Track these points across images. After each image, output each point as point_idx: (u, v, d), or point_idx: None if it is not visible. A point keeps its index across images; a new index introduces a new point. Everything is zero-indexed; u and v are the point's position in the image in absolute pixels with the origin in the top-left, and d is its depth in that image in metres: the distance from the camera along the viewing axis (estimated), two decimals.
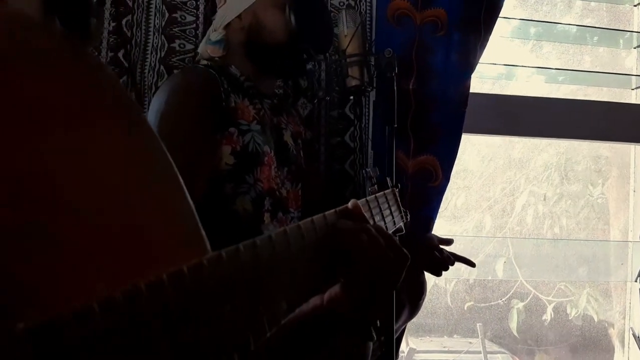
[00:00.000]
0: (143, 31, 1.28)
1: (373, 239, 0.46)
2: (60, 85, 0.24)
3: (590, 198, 2.20)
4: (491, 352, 2.08)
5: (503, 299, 2.08)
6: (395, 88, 1.06)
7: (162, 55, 1.29)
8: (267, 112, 1.06)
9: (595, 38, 1.95)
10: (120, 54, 1.24)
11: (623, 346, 1.99)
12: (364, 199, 0.55)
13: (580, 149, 2.16)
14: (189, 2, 1.30)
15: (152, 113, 0.91)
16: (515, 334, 2.04)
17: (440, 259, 1.20)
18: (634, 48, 1.90)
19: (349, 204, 0.50)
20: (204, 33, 1.29)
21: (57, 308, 0.19)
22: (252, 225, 0.97)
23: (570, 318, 2.07)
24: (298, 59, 1.06)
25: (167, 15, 1.29)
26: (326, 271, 0.43)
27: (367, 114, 1.33)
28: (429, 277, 1.28)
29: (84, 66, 0.26)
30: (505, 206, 2.18)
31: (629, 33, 1.90)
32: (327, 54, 1.16)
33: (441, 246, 1.24)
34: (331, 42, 1.11)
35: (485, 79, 1.82)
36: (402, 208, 0.80)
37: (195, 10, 1.31)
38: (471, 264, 1.26)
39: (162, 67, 1.28)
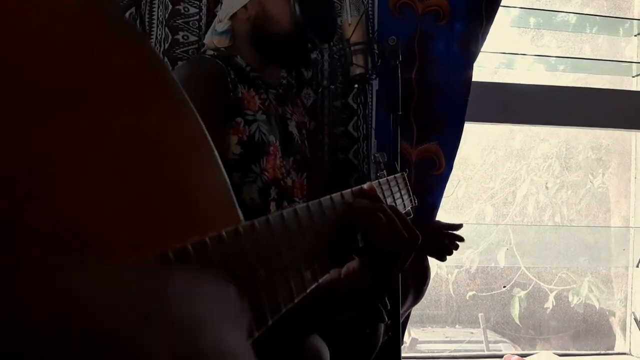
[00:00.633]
0: (147, 23, 1.29)
1: (388, 217, 0.47)
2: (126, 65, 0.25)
3: (591, 187, 2.21)
4: (493, 342, 2.10)
5: (505, 286, 2.10)
6: (399, 75, 1.07)
7: (166, 47, 1.29)
8: (272, 102, 1.07)
9: (595, 28, 1.96)
10: None
11: (624, 333, 2.01)
12: (376, 181, 0.57)
13: (581, 139, 2.17)
14: None
15: None
16: (518, 322, 2.06)
17: (444, 243, 1.22)
18: (635, 36, 1.91)
19: (365, 185, 0.51)
20: (207, 25, 1.29)
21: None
22: (259, 214, 0.98)
23: (572, 306, 2.09)
24: (303, 48, 1.07)
25: (170, 7, 1.30)
26: (344, 246, 0.45)
27: (370, 103, 1.34)
28: (431, 267, 1.29)
29: (141, 44, 0.27)
30: (507, 196, 2.20)
31: (629, 22, 1.91)
32: (331, 43, 1.17)
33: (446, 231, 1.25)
34: (335, 31, 1.12)
35: (486, 68, 1.83)
36: (410, 192, 0.81)
37: (198, 2, 1.31)
38: (459, 226, 1.26)
39: (166, 59, 1.29)
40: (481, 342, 2.08)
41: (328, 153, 1.34)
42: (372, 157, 0.95)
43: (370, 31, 1.10)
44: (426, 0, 1.34)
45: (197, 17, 1.31)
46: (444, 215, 1.86)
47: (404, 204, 0.73)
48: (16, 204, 0.19)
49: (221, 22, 1.09)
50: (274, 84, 1.11)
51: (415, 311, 1.98)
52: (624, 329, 2.01)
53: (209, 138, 0.30)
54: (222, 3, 1.16)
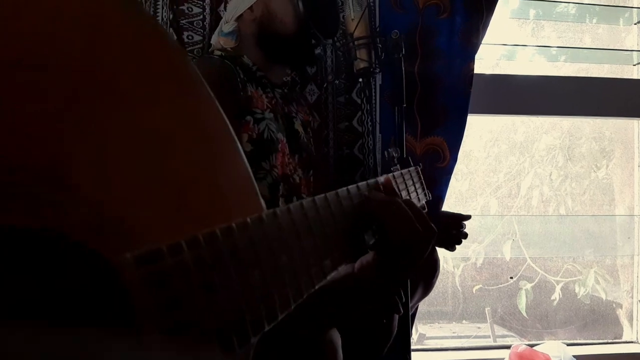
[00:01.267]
0: None
1: (404, 211, 0.47)
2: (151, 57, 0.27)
3: (595, 178, 2.21)
4: (500, 336, 2.10)
5: (513, 277, 2.10)
6: (403, 68, 1.08)
7: None
8: (278, 101, 1.09)
9: (595, 18, 1.96)
10: None
11: (631, 323, 2.01)
12: (391, 174, 0.57)
13: (584, 130, 2.17)
14: None
15: None
16: (525, 314, 2.06)
17: (452, 233, 1.22)
18: (635, 24, 1.91)
19: (382, 178, 0.51)
20: (211, 24, 1.31)
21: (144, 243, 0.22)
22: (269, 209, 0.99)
23: (578, 297, 2.09)
24: (308, 47, 1.08)
25: (174, 7, 1.31)
26: (359, 238, 0.45)
27: (374, 98, 1.35)
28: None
29: (162, 37, 0.28)
30: (511, 189, 2.20)
31: (629, 11, 1.92)
32: (335, 38, 1.18)
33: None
34: (338, 26, 1.13)
35: (487, 60, 1.83)
36: (425, 186, 0.82)
37: (201, 2, 1.33)
38: (467, 217, 1.27)
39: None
40: (488, 336, 2.08)
41: (333, 148, 1.35)
42: (385, 153, 0.96)
43: (373, 25, 1.11)
44: None
45: (201, 16, 1.33)
46: (448, 209, 1.87)
47: (419, 198, 0.74)
48: (61, 188, 0.21)
49: (227, 23, 1.11)
50: (279, 84, 1.13)
51: (422, 307, 1.99)
52: (630, 320, 2.02)
53: (232, 130, 0.31)
54: (225, 3, 1.18)
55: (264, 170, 0.99)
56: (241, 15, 1.09)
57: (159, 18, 1.31)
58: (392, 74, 1.11)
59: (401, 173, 0.67)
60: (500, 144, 2.21)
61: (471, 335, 2.09)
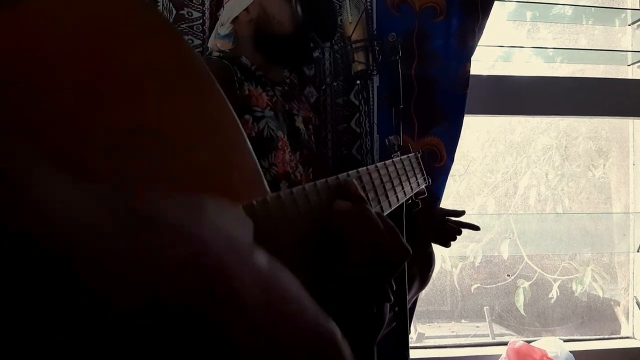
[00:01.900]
0: None
1: (369, 228, 0.41)
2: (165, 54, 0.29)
3: (592, 177, 2.23)
4: (499, 335, 2.12)
5: (511, 276, 2.12)
6: (399, 70, 1.10)
7: None
8: (279, 98, 1.10)
9: (591, 20, 1.99)
10: None
11: (628, 320, 2.04)
12: (382, 162, 0.57)
13: (580, 129, 2.19)
14: None
15: None
16: (523, 312, 2.08)
17: (447, 230, 1.24)
18: (628, 25, 1.94)
19: (342, 182, 0.44)
20: (210, 28, 1.33)
21: None
22: None
23: (576, 295, 2.11)
24: (306, 47, 1.10)
25: (174, 12, 1.33)
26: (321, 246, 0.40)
27: (371, 99, 1.37)
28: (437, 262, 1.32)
29: (176, 37, 0.31)
30: (508, 189, 2.22)
31: (624, 12, 1.94)
32: (333, 42, 1.20)
33: (450, 217, 1.28)
34: (336, 30, 1.15)
35: (484, 62, 1.86)
36: (424, 171, 0.83)
37: (201, 7, 1.35)
38: (475, 227, 1.28)
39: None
40: (487, 335, 2.10)
41: (332, 149, 1.37)
42: (386, 140, 0.97)
43: (371, 28, 1.13)
44: None
45: (201, 21, 1.35)
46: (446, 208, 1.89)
47: (418, 183, 0.75)
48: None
49: (224, 26, 1.12)
50: (279, 81, 1.14)
51: (421, 307, 2.01)
52: (627, 317, 2.04)
53: (238, 120, 0.33)
54: (224, 7, 1.19)
55: (264, 168, 1.01)
56: (237, 17, 1.10)
57: None
58: (389, 76, 1.13)
59: (401, 159, 0.67)
60: (497, 144, 2.23)
61: (470, 334, 2.11)
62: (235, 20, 1.11)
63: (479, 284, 2.12)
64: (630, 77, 1.89)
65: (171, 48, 0.30)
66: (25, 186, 0.16)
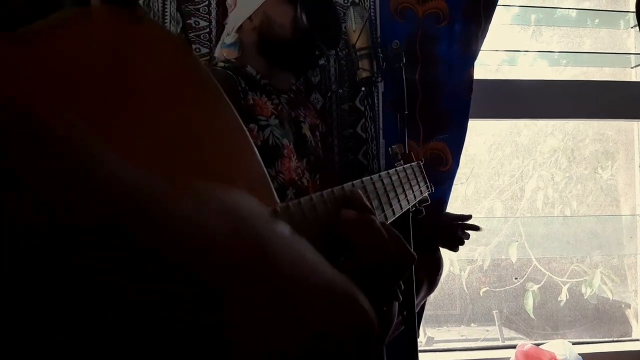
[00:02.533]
0: None
1: (373, 236, 0.42)
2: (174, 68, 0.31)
3: (600, 179, 2.23)
4: (509, 339, 2.11)
5: (519, 280, 2.12)
6: (404, 77, 1.12)
7: None
8: (284, 106, 1.12)
9: (596, 20, 1.99)
10: None
11: (639, 322, 2.03)
12: (386, 172, 0.58)
13: (587, 132, 2.19)
14: (201, 8, 1.37)
15: None
16: (532, 316, 2.08)
17: (455, 234, 1.25)
18: (631, 28, 1.94)
19: (348, 192, 0.46)
20: (217, 37, 1.35)
21: None
22: None
23: (585, 297, 2.10)
24: (310, 52, 1.12)
25: (181, 22, 1.36)
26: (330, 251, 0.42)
27: (377, 105, 1.39)
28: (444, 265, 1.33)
29: (184, 51, 0.33)
30: (515, 192, 2.22)
31: (628, 15, 1.94)
32: (338, 49, 1.22)
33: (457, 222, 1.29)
34: (341, 38, 1.17)
35: (489, 66, 1.87)
36: (427, 179, 0.84)
37: (208, 16, 1.37)
38: (476, 228, 1.29)
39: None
40: (497, 339, 2.10)
41: (338, 155, 1.38)
42: (389, 149, 0.99)
43: (375, 36, 1.15)
44: (426, 3, 1.39)
45: (208, 30, 1.37)
46: (453, 212, 1.89)
47: (421, 191, 0.77)
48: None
49: (229, 35, 1.14)
50: (284, 89, 1.16)
51: (430, 311, 2.01)
52: (638, 319, 2.03)
53: (245, 129, 0.35)
54: (229, 16, 1.22)
55: (270, 176, 1.02)
56: (241, 25, 1.13)
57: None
58: (394, 82, 1.15)
59: (404, 168, 0.69)
60: (504, 147, 2.23)
61: (480, 338, 2.10)
62: (239, 29, 1.13)
63: (487, 288, 2.11)
64: (634, 79, 1.90)
65: (181, 63, 0.32)
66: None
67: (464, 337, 2.15)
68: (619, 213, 2.16)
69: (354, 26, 1.12)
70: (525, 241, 2.12)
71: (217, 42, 1.31)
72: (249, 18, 1.11)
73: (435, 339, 2.09)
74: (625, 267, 2.13)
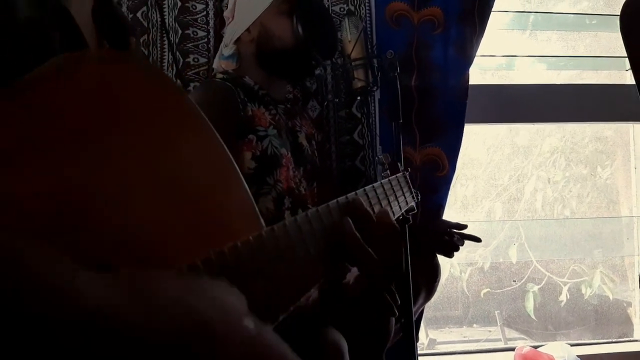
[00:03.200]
0: (159, 48, 1.37)
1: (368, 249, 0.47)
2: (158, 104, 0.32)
3: (599, 179, 2.24)
4: (511, 339, 2.12)
5: (518, 282, 2.13)
6: (398, 86, 1.13)
7: (178, 69, 1.37)
8: (282, 116, 1.14)
9: (594, 22, 2.00)
10: None
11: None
12: (371, 185, 0.61)
13: (585, 132, 2.20)
14: (199, 19, 1.39)
15: None
16: (533, 317, 2.08)
17: (450, 241, 1.27)
18: None
19: (352, 196, 0.52)
20: (215, 46, 1.37)
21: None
22: (275, 222, 1.04)
23: (585, 298, 2.11)
24: (307, 61, 1.13)
25: (180, 32, 1.38)
26: (336, 261, 0.48)
27: (373, 112, 1.40)
28: (444, 266, 1.34)
29: (172, 89, 0.34)
30: (515, 193, 2.23)
31: None
32: (334, 59, 1.23)
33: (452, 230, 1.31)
34: (336, 48, 1.18)
35: (486, 70, 1.88)
36: (412, 189, 0.86)
37: (205, 26, 1.39)
38: (477, 239, 1.32)
39: (178, 82, 1.37)
40: (499, 340, 2.10)
41: (336, 161, 1.40)
42: (377, 159, 1.01)
43: (369, 47, 1.16)
44: (421, 10, 1.40)
45: (206, 39, 1.39)
46: (454, 214, 1.90)
47: (406, 201, 0.79)
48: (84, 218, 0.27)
49: (227, 47, 1.16)
50: (281, 100, 1.18)
51: (432, 312, 2.02)
52: (638, 318, 2.03)
53: (231, 156, 0.37)
54: (226, 28, 1.23)
55: (269, 185, 1.04)
56: (239, 37, 1.15)
57: (166, 43, 1.37)
58: (389, 91, 1.16)
59: (389, 180, 0.71)
60: (503, 147, 2.24)
61: (482, 339, 2.11)
62: (237, 41, 1.15)
63: (488, 289, 2.12)
64: (628, 82, 1.90)
65: (168, 101, 0.33)
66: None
67: (466, 338, 2.15)
68: (618, 212, 2.17)
69: (349, 37, 1.14)
70: (525, 242, 2.13)
71: (215, 52, 1.33)
72: (247, 30, 1.13)
73: (437, 340, 2.10)
74: (627, 266, 2.14)
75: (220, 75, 1.15)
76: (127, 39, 0.53)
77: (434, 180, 1.39)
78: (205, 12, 1.39)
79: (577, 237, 2.12)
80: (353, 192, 0.53)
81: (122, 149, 0.30)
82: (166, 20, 1.37)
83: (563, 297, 2.11)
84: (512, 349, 1.53)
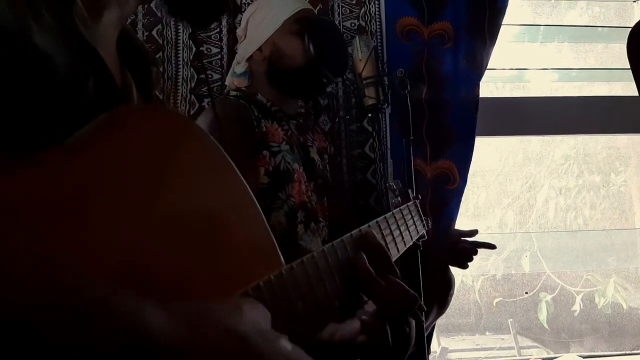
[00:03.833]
0: (173, 65, 1.40)
1: (382, 289, 0.49)
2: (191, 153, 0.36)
3: (612, 187, 2.22)
4: (524, 347, 2.10)
5: (530, 293, 2.12)
6: (409, 104, 1.15)
7: (192, 86, 1.40)
8: (294, 132, 1.16)
9: (603, 37, 1.99)
10: None
11: None
12: (383, 216, 0.63)
13: (599, 139, 2.18)
14: (213, 35, 1.42)
15: None
16: (546, 326, 2.07)
17: (463, 251, 1.25)
18: None
19: (365, 228, 0.54)
20: (228, 63, 1.39)
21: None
22: (288, 236, 1.06)
23: (599, 307, 2.09)
24: (318, 79, 1.15)
25: (194, 49, 1.41)
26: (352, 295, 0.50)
27: (384, 126, 1.42)
28: (456, 276, 1.34)
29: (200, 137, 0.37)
30: (527, 201, 2.22)
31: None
32: (345, 77, 1.25)
33: (464, 238, 1.29)
34: (347, 66, 1.20)
35: (497, 82, 1.88)
36: (423, 217, 0.88)
37: (219, 43, 1.42)
38: (491, 246, 1.29)
39: (192, 97, 1.40)
40: (512, 348, 2.09)
41: (347, 174, 1.41)
42: (387, 185, 1.02)
43: (380, 65, 1.18)
44: (431, 25, 1.42)
45: (219, 56, 1.42)
46: (466, 222, 1.91)
47: (417, 230, 0.80)
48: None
49: (239, 64, 1.19)
50: (293, 115, 1.20)
51: (444, 320, 2.02)
52: None
53: (253, 196, 0.39)
54: (238, 46, 1.26)
55: (280, 200, 1.06)
56: (251, 55, 1.17)
57: (180, 59, 1.41)
58: (399, 107, 1.18)
59: (400, 210, 0.73)
60: (515, 155, 2.24)
61: (495, 347, 2.10)
62: (249, 59, 1.17)
63: (500, 298, 2.12)
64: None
65: (199, 149, 0.36)
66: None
67: (479, 346, 2.15)
68: (632, 220, 2.15)
69: (360, 55, 1.16)
70: (537, 251, 2.12)
71: (228, 68, 1.35)
72: (259, 49, 1.15)
73: (449, 348, 2.10)
74: None
75: (234, 93, 1.17)
76: (149, 69, 0.56)
77: (445, 194, 1.39)
78: (218, 29, 1.41)
79: (590, 248, 2.11)
80: (366, 225, 0.55)
81: (165, 202, 0.33)
82: (180, 38, 1.40)
83: (576, 307, 2.10)
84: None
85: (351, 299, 0.49)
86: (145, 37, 1.37)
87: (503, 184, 2.23)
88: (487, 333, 2.16)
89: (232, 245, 0.36)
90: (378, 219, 0.60)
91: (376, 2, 1.45)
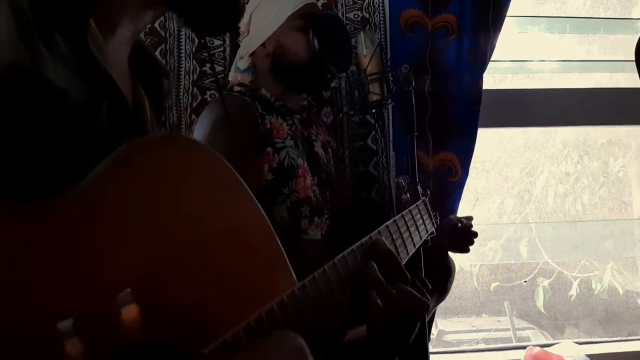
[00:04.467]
0: (176, 57, 1.39)
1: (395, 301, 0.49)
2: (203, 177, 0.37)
3: (611, 173, 2.24)
4: (520, 329, 2.14)
5: (526, 280, 2.15)
6: (413, 100, 1.15)
7: (195, 78, 1.40)
8: (298, 126, 1.16)
9: (605, 26, 1.97)
10: None
11: None
12: (392, 219, 0.64)
13: (599, 126, 2.18)
14: None
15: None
16: (543, 311, 2.11)
17: (463, 236, 1.24)
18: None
19: (374, 235, 0.55)
20: (230, 55, 1.39)
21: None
22: (291, 231, 1.08)
23: (596, 292, 2.13)
24: (322, 77, 1.15)
25: (196, 41, 1.40)
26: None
27: (387, 118, 1.42)
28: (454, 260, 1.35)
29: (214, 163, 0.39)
30: (526, 186, 2.24)
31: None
32: (349, 72, 1.25)
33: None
34: (351, 61, 1.20)
35: (501, 73, 1.88)
36: (432, 214, 0.89)
37: (222, 35, 1.41)
38: (469, 218, 1.27)
39: (195, 89, 1.39)
40: (508, 329, 2.13)
41: (349, 166, 1.42)
42: (395, 182, 1.03)
43: (385, 61, 1.18)
44: (435, 17, 1.41)
45: (222, 48, 1.41)
46: (465, 206, 1.91)
47: (426, 229, 0.81)
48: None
49: (242, 60, 1.18)
50: (297, 109, 1.20)
51: (441, 304, 2.05)
52: None
53: (264, 213, 0.40)
54: (241, 40, 1.25)
55: (283, 195, 1.07)
56: (254, 51, 1.16)
57: (183, 51, 1.40)
58: (404, 104, 1.18)
59: (409, 210, 0.74)
60: (515, 141, 2.25)
61: (491, 329, 2.14)
62: (252, 55, 1.17)
63: (498, 283, 2.15)
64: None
65: (212, 174, 0.37)
66: None
67: (475, 328, 2.18)
68: (630, 207, 2.17)
69: (364, 51, 1.16)
70: (536, 237, 2.15)
71: (231, 61, 1.35)
72: (263, 45, 1.14)
73: (446, 330, 2.13)
74: (637, 263, 2.15)
75: (237, 88, 1.17)
76: (161, 81, 0.56)
77: (447, 185, 1.41)
78: None
79: (588, 237, 2.13)
80: (376, 230, 0.56)
81: (185, 232, 0.35)
82: (183, 30, 1.39)
83: (573, 292, 2.13)
84: (523, 348, 1.57)
85: (362, 308, 0.50)
86: (147, 29, 1.36)
87: (503, 170, 2.24)
88: (484, 315, 2.20)
89: (249, 267, 0.37)
90: (388, 222, 0.61)
91: None
